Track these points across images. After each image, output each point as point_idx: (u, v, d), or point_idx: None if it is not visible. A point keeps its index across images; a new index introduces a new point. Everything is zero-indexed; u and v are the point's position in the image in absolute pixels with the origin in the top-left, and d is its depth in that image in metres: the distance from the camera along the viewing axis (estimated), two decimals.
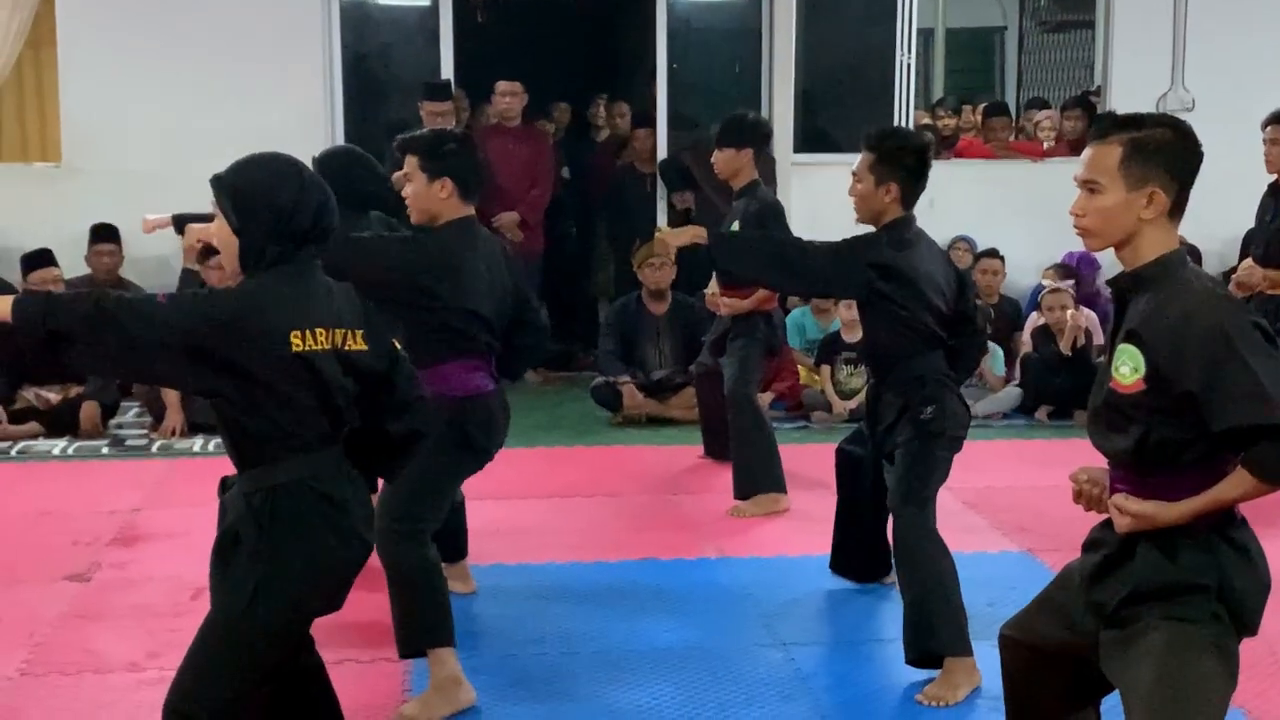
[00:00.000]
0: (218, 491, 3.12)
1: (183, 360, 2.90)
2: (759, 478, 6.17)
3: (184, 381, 3.03)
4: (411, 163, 4.27)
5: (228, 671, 2.99)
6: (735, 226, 6.04)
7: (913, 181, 4.38)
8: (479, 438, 4.25)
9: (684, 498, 6.48)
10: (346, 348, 3.05)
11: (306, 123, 8.88)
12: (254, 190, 2.99)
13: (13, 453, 7.36)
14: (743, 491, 6.18)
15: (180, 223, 5.01)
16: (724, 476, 6.40)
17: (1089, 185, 2.84)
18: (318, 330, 2.99)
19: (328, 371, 3.01)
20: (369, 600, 4.34)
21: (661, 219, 9.56)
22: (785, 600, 5.07)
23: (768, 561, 5.52)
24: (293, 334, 2.95)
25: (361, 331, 3.09)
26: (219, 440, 7.44)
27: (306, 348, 2.97)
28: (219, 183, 3.03)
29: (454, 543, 4.95)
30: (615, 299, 9.28)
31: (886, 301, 4.32)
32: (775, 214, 6.12)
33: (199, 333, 2.89)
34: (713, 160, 6.26)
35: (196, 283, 8.01)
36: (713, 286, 8.13)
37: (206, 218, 4.31)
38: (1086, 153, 2.86)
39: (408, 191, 4.29)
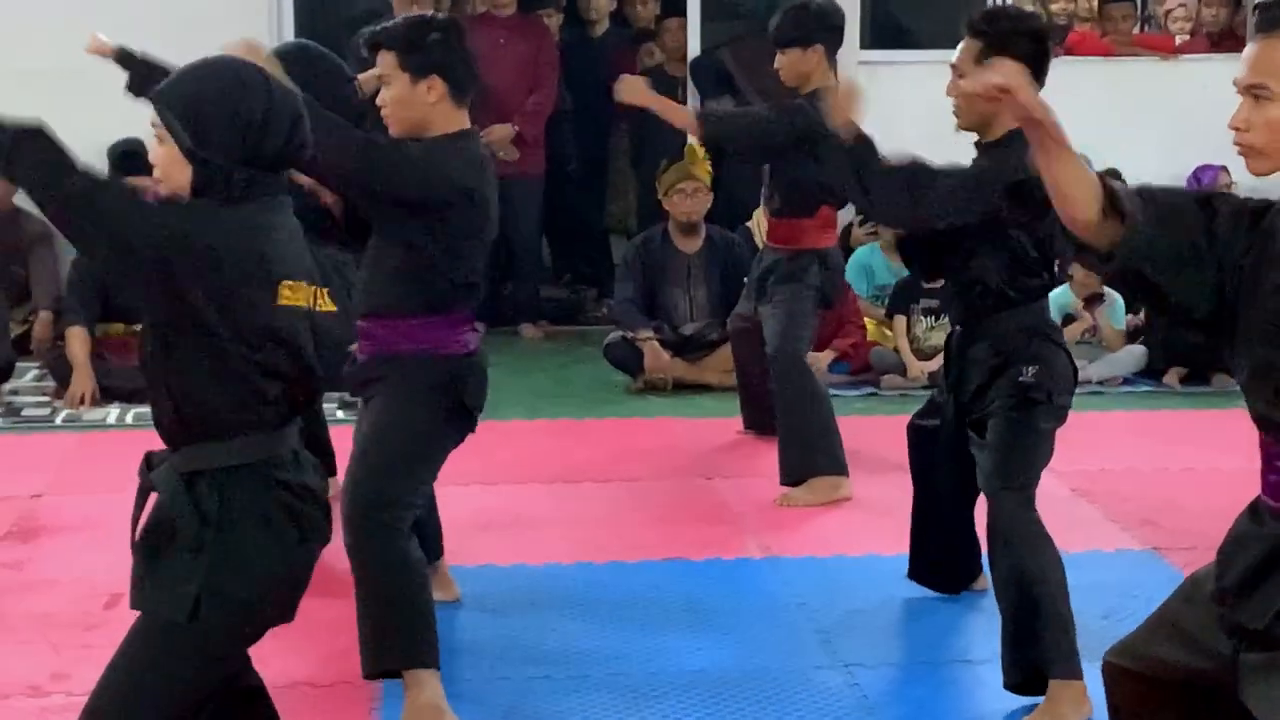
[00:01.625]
0: (140, 470, 3.13)
1: (154, 273, 2.93)
2: (813, 458, 6.18)
3: (152, 297, 3.00)
4: (388, 61, 4.27)
5: (157, 694, 3.01)
6: None
7: (1030, 74, 4.35)
8: (476, 403, 4.32)
9: (720, 483, 6.49)
10: (317, 307, 3.09)
11: (245, 10, 8.86)
12: (212, 101, 2.98)
13: None
14: (794, 475, 6.19)
15: (126, 60, 4.97)
16: (769, 457, 6.38)
17: (1256, 91, 2.81)
18: (299, 282, 3.04)
19: (306, 334, 3.05)
20: (327, 607, 4.36)
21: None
22: (847, 611, 5.07)
23: (825, 563, 5.53)
24: (284, 283, 2.99)
25: (327, 290, 3.12)
26: (139, 411, 7.62)
27: (291, 301, 3.01)
28: (164, 96, 3.01)
29: (425, 540, 4.96)
30: (635, 234, 9.28)
31: (1008, 235, 4.30)
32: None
33: (184, 244, 2.90)
34: (776, 66, 6.24)
35: None
36: (759, 216, 8.17)
37: (159, 69, 4.32)
38: (1251, 49, 2.83)
39: (385, 97, 4.30)
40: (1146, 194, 2.87)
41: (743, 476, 6.55)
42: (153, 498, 3.07)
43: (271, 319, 2.99)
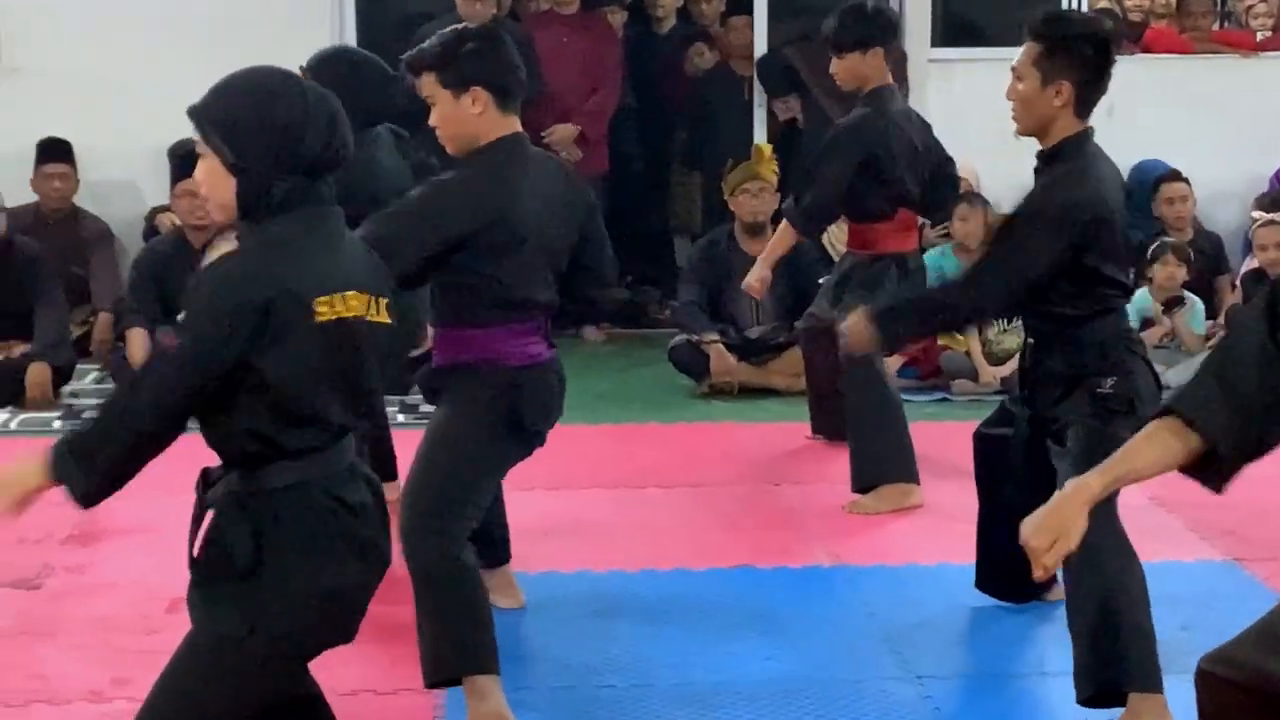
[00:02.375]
0: (197, 488, 3.15)
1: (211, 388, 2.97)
2: (884, 464, 6.17)
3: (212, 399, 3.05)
4: (429, 81, 4.31)
5: (210, 706, 3.04)
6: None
7: (1090, 81, 4.34)
8: (534, 418, 4.32)
9: (787, 488, 6.49)
10: (370, 318, 3.10)
11: (308, 11, 8.93)
12: (247, 113, 3.01)
13: None
14: (864, 481, 6.18)
15: None
16: (839, 462, 6.38)
17: None
18: (348, 294, 3.04)
19: (357, 346, 3.06)
20: (389, 616, 4.37)
21: (760, 132, 9.54)
22: (918, 621, 5.06)
23: (895, 571, 5.52)
24: (318, 301, 2.99)
25: (386, 300, 3.14)
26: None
27: (335, 315, 3.02)
28: (201, 113, 3.04)
29: (492, 545, 4.99)
30: (700, 235, 9.28)
31: (1077, 250, 4.29)
32: (843, 143, 6.15)
33: (217, 356, 2.94)
34: (833, 71, 6.26)
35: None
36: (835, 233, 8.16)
37: None
38: None
39: (434, 118, 4.33)
40: (1220, 383, 2.98)
41: (811, 482, 6.54)
42: (208, 515, 3.10)
43: (312, 339, 2.99)
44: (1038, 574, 3.04)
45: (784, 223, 6.54)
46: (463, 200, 4.24)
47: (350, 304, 3.04)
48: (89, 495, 3.05)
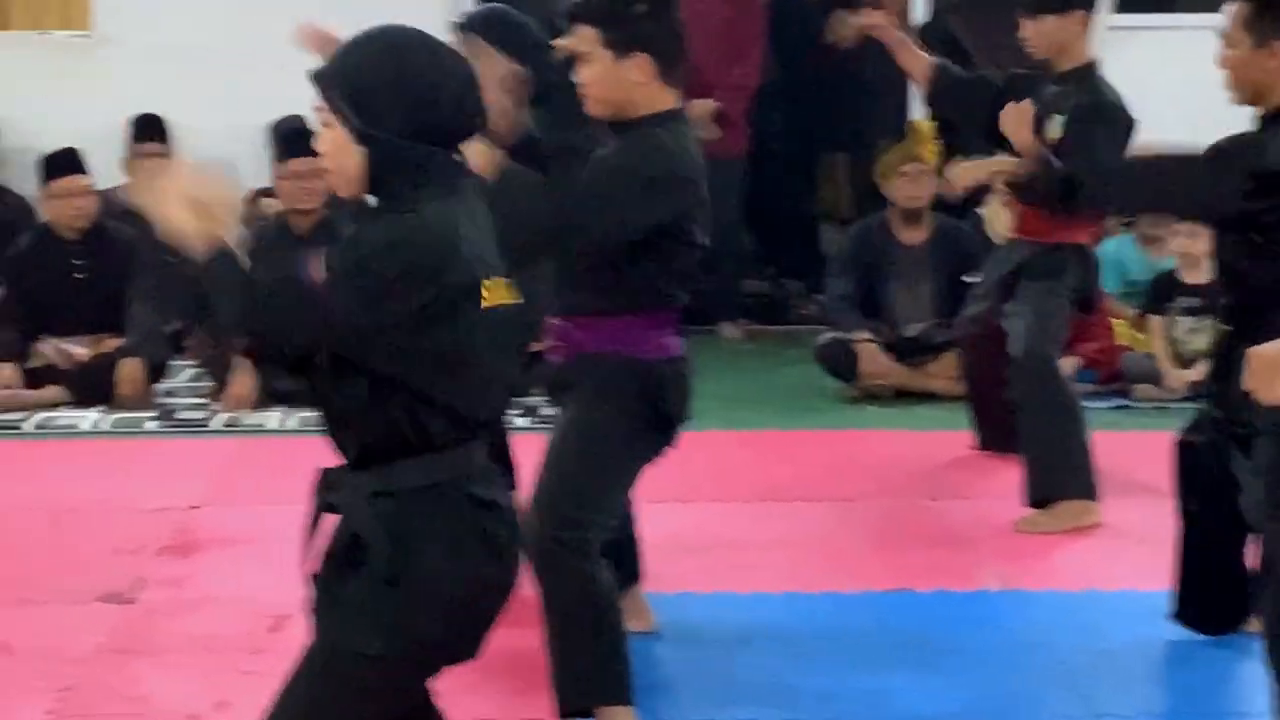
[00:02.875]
0: (314, 490, 3.15)
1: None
2: (1061, 478, 6.10)
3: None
4: (588, 36, 4.27)
5: None
6: (1058, 125, 5.92)
7: None
8: (678, 415, 4.33)
9: (948, 504, 6.44)
10: (506, 302, 3.11)
11: None
12: (376, 74, 3.00)
13: (28, 426, 7.60)
14: (1037, 497, 6.11)
15: None
16: (1006, 475, 6.32)
17: None
18: (498, 279, 3.06)
19: (505, 334, 3.07)
20: (517, 637, 4.35)
21: (918, 109, 9.45)
22: (1098, 653, 5.00)
23: (1073, 598, 5.46)
24: (485, 284, 3.01)
25: (508, 281, 3.14)
26: (304, 415, 7.71)
27: (494, 300, 3.03)
28: (325, 76, 3.04)
29: (622, 562, 4.97)
30: (848, 222, 9.22)
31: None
32: (1111, 118, 5.97)
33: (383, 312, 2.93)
34: (1025, 35, 6.15)
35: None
36: (993, 203, 8.07)
37: None
38: None
39: (585, 76, 4.30)
40: None
41: (974, 497, 6.49)
42: (328, 520, 3.09)
43: (476, 325, 3.00)
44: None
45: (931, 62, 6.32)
46: (672, 182, 4.22)
47: (500, 288, 3.06)
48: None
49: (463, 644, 3.12)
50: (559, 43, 4.74)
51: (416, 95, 2.99)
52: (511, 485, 5.46)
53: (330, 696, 3.05)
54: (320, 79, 3.05)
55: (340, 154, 3.04)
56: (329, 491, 3.10)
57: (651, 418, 4.29)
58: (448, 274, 2.95)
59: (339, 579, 3.05)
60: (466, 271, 2.98)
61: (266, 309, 3.00)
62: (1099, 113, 5.96)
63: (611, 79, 4.24)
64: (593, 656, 4.22)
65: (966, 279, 7.26)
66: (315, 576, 3.09)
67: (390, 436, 3.01)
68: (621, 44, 4.22)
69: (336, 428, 3.08)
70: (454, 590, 3.03)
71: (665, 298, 4.30)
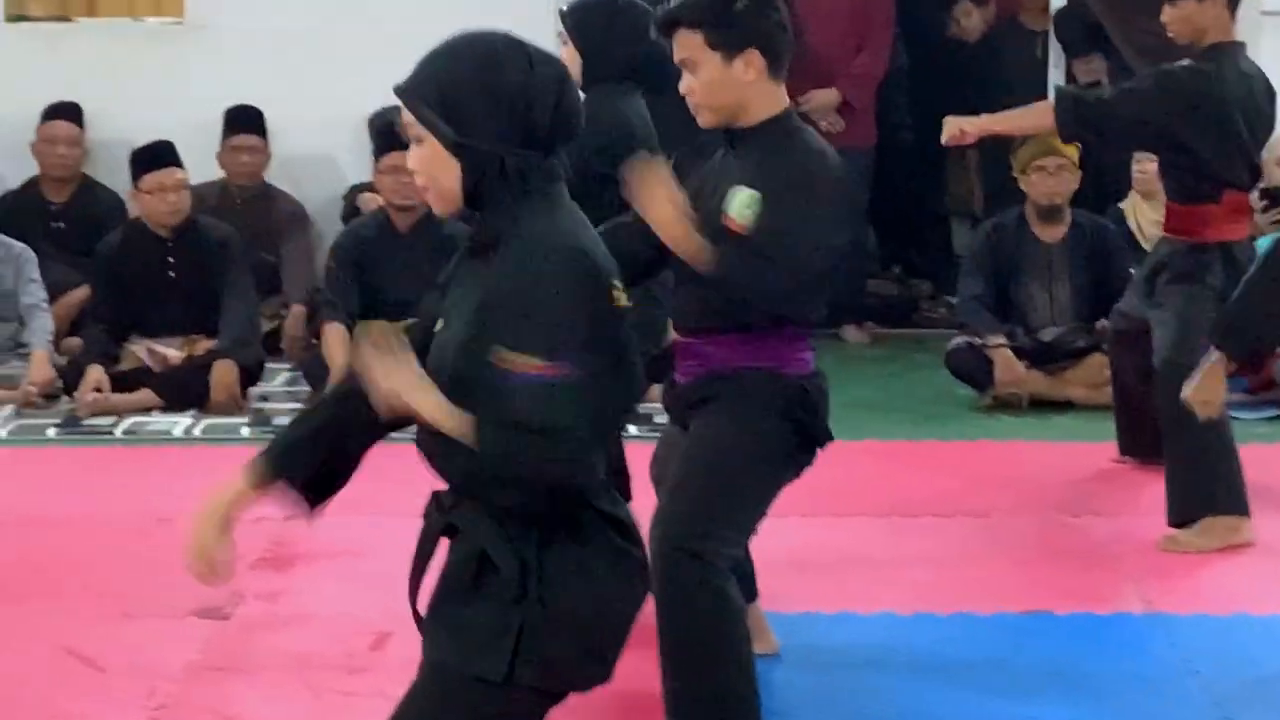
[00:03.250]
0: (427, 511, 3.19)
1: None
2: (1209, 494, 6.06)
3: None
4: (691, 41, 4.30)
5: None
6: None
7: None
8: (824, 433, 4.38)
9: (1090, 520, 6.41)
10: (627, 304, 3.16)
11: None
12: (467, 82, 3.02)
13: (118, 432, 7.73)
14: (1183, 514, 6.08)
15: None
16: (1152, 490, 6.29)
17: None
18: (615, 279, 3.09)
19: (629, 338, 3.10)
20: (634, 660, 4.37)
21: None
22: (1251, 681, 4.97)
23: (1224, 622, 5.43)
24: (613, 283, 3.05)
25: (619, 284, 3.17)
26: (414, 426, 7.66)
27: (621, 303, 3.07)
28: (412, 91, 3.06)
29: (738, 580, 4.97)
30: (981, 219, 9.19)
31: None
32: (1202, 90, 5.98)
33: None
34: (1165, 19, 6.14)
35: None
36: (1135, 198, 8.03)
37: None
38: None
39: (691, 84, 4.34)
40: None
41: (1118, 514, 6.46)
42: (443, 543, 3.14)
43: (609, 328, 3.04)
44: None
45: (1045, 105, 6.36)
46: (839, 182, 4.31)
47: (620, 292, 3.09)
48: None
49: (592, 668, 3.13)
50: None
51: (510, 100, 3.01)
52: (625, 495, 5.51)
53: None
54: (406, 92, 3.06)
55: (434, 169, 3.06)
56: (447, 512, 3.13)
57: (794, 436, 4.33)
58: (594, 278, 3.01)
59: (460, 601, 3.07)
60: (606, 273, 3.03)
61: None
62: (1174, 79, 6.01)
63: (722, 83, 4.27)
64: (718, 681, 4.24)
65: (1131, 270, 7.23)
66: (435, 596, 3.12)
67: None
68: (730, 44, 4.24)
69: (449, 448, 3.04)
70: (583, 611, 3.05)
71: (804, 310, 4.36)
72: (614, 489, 3.17)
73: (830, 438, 4.42)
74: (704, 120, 4.38)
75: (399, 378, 2.96)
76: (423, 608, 3.17)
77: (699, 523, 4.24)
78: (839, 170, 4.38)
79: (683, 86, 4.37)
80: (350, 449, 3.22)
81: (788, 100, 4.38)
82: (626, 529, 3.13)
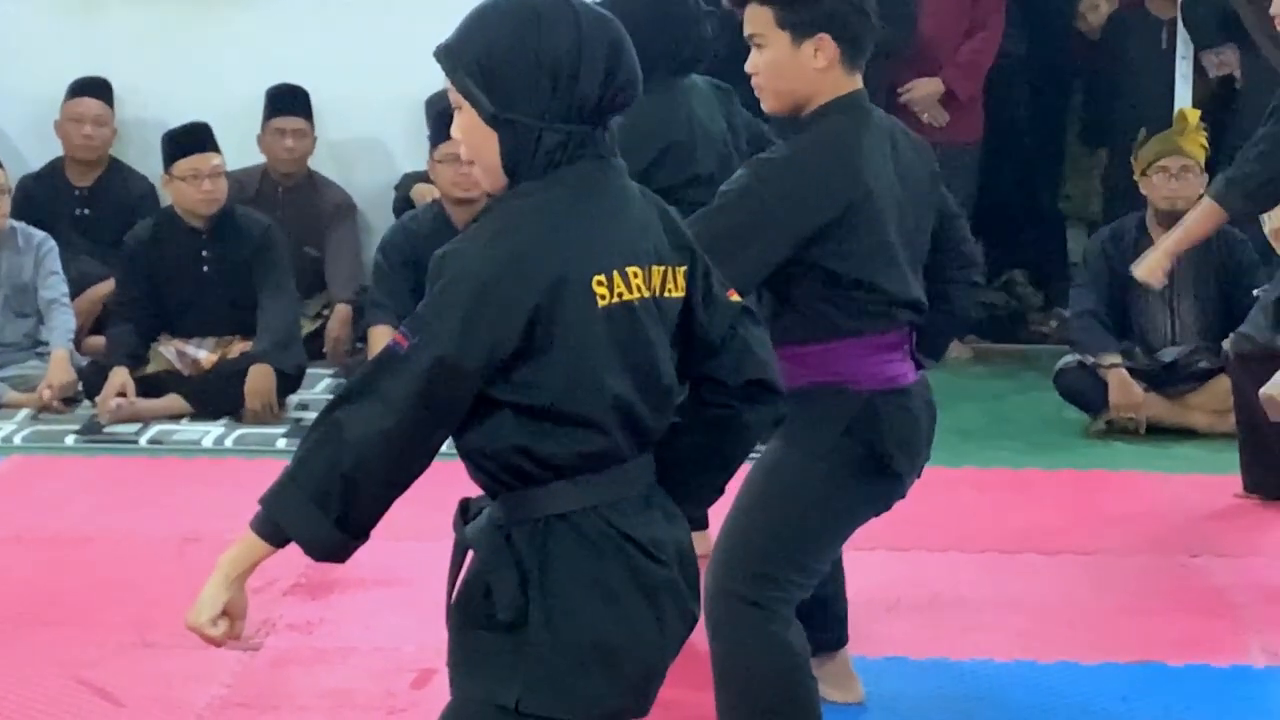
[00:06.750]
0: (455, 522, 3.23)
1: (474, 387, 3.01)
2: None
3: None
4: (760, 17, 4.29)
5: None
6: None
7: None
8: (898, 458, 4.29)
9: (1211, 561, 6.39)
10: (666, 294, 3.12)
11: None
12: (508, 48, 3.02)
13: (143, 441, 7.80)
14: None
15: None
16: (1279, 529, 6.27)
17: None
18: (630, 270, 3.06)
19: (647, 334, 3.08)
20: (682, 698, 4.41)
21: (1184, 93, 9.37)
22: None
23: None
24: (595, 279, 3.02)
25: (685, 268, 3.15)
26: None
27: (616, 298, 3.04)
28: (452, 54, 3.07)
29: (826, 624, 4.99)
30: (1101, 224, 9.17)
31: None
32: None
33: (480, 342, 2.96)
34: (1274, 10, 6.15)
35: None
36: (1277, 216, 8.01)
37: None
38: None
39: (756, 63, 4.34)
40: None
41: (1241, 555, 6.45)
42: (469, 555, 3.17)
43: (590, 325, 3.02)
44: None
45: (1205, 200, 6.42)
46: (812, 184, 4.23)
47: (635, 283, 3.06)
48: (324, 544, 3.08)
49: (617, 699, 3.13)
50: None
51: (553, 68, 3.01)
52: (700, 525, 5.50)
53: None
54: (445, 56, 3.07)
55: (476, 141, 3.07)
56: (464, 522, 3.17)
57: (867, 461, 4.27)
58: (544, 297, 2.98)
59: (469, 622, 3.11)
60: (565, 281, 2.99)
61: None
62: None
63: (788, 66, 4.25)
64: None
65: (1256, 293, 7.21)
66: (449, 617, 3.16)
67: (516, 460, 3.04)
68: (801, 24, 4.22)
69: (464, 452, 3.10)
70: (589, 636, 3.06)
71: (878, 317, 4.31)
72: (657, 506, 3.16)
73: (897, 463, 4.30)
74: (767, 105, 4.37)
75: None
76: None
77: (756, 564, 4.25)
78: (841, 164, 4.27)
79: (749, 65, 4.35)
80: None
81: (859, 86, 4.33)
82: (658, 549, 3.12)
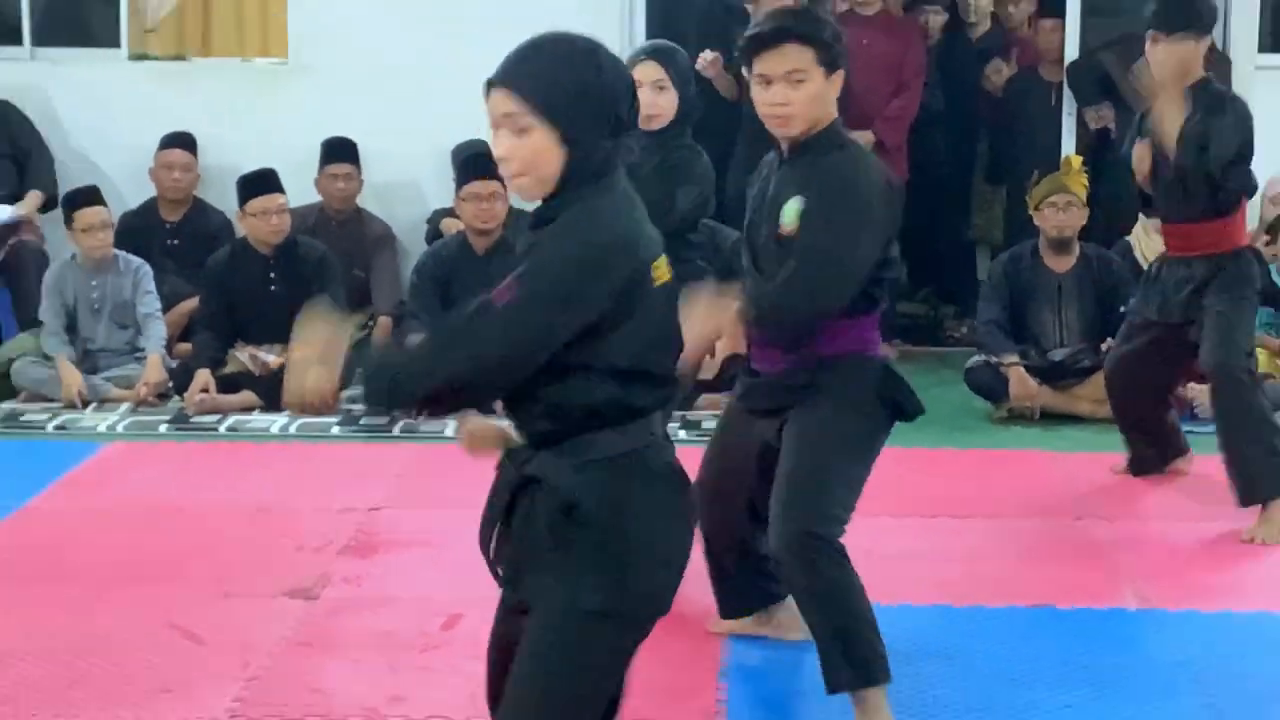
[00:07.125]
0: (501, 464, 3.19)
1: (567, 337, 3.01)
2: (1271, 482, 6.05)
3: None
4: (803, 56, 4.29)
5: (583, 688, 3.11)
6: (1175, 131, 5.89)
7: None
8: (912, 406, 4.42)
9: (1093, 523, 6.37)
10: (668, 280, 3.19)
11: (598, 6, 9.01)
12: (574, 78, 3.03)
13: (221, 429, 7.79)
14: (1248, 501, 6.09)
15: None
16: (1151, 496, 6.31)
17: None
18: (660, 259, 3.13)
19: (674, 309, 3.17)
20: (675, 637, 4.38)
21: (1069, 142, 9.38)
22: (1238, 676, 4.89)
23: (1212, 619, 5.36)
24: (654, 265, 3.09)
25: (665, 258, 3.18)
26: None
27: (660, 280, 3.11)
28: (523, 85, 3.02)
29: (774, 575, 4.95)
30: (1002, 248, 9.16)
31: None
32: (1247, 123, 5.95)
33: (579, 308, 2.98)
34: (1151, 52, 6.10)
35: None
36: (1140, 231, 8.00)
37: None
38: None
39: (793, 96, 4.30)
40: None
41: (1118, 517, 6.42)
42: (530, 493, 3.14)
43: (651, 303, 3.08)
44: None
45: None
46: (879, 186, 4.32)
47: (663, 269, 3.13)
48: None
49: (665, 599, 3.18)
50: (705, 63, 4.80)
51: (603, 94, 3.04)
52: None
53: (575, 662, 3.08)
54: (518, 87, 3.02)
55: (539, 157, 3.04)
56: (526, 465, 3.12)
57: (885, 415, 4.38)
58: (633, 265, 3.04)
59: (550, 547, 3.08)
60: (641, 259, 3.06)
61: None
62: (1241, 121, 6.03)
63: (823, 97, 4.30)
64: (857, 643, 4.31)
65: (1123, 310, 7.19)
66: (522, 543, 3.13)
67: (586, 409, 3.06)
68: (831, 62, 4.28)
69: (529, 406, 3.09)
70: (660, 546, 3.12)
71: (878, 297, 4.40)
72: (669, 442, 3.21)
73: (922, 409, 4.46)
74: (794, 130, 4.33)
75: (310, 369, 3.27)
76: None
77: (826, 507, 4.30)
78: (881, 176, 4.37)
79: (771, 97, 4.32)
80: None
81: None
82: (685, 477, 3.20)
